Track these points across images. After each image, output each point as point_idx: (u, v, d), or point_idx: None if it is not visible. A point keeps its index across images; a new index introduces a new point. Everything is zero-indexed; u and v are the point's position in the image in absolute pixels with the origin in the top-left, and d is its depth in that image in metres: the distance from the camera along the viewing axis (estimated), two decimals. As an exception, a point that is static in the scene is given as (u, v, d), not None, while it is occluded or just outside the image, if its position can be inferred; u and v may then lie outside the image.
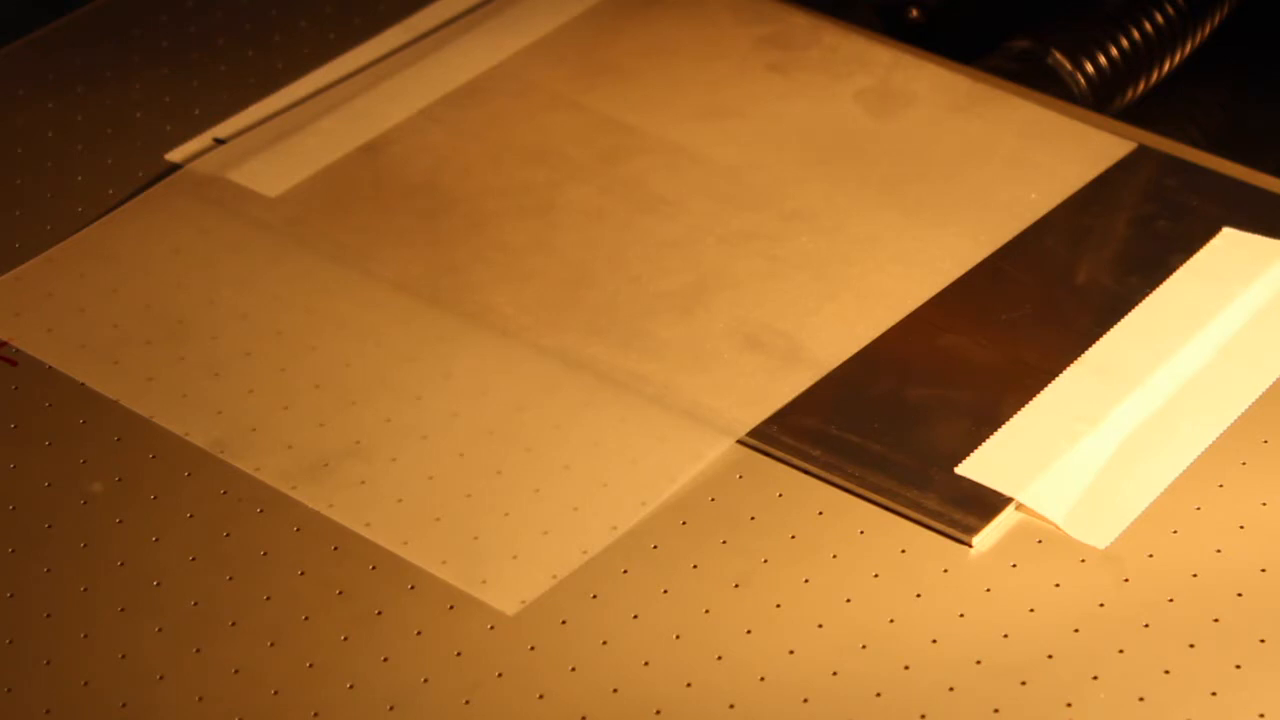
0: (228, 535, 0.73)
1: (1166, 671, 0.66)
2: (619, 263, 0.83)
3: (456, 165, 0.89)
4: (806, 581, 0.70)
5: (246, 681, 0.68)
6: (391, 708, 0.67)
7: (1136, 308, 0.79)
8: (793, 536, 0.71)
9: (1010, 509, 0.71)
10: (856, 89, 0.92)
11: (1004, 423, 0.74)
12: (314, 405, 0.77)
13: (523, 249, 0.84)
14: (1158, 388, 0.75)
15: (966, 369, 0.78)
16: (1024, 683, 0.66)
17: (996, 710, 0.65)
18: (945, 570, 0.70)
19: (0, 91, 0.96)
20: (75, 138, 0.93)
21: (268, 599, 0.70)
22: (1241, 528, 0.70)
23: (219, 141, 0.91)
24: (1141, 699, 0.65)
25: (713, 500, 0.73)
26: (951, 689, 0.66)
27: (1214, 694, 0.65)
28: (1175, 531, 0.70)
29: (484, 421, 0.76)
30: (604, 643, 0.68)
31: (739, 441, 0.75)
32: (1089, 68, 0.98)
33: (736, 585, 0.70)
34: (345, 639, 0.69)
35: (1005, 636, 0.67)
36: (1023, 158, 0.88)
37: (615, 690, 0.67)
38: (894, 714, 0.65)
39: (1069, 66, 0.98)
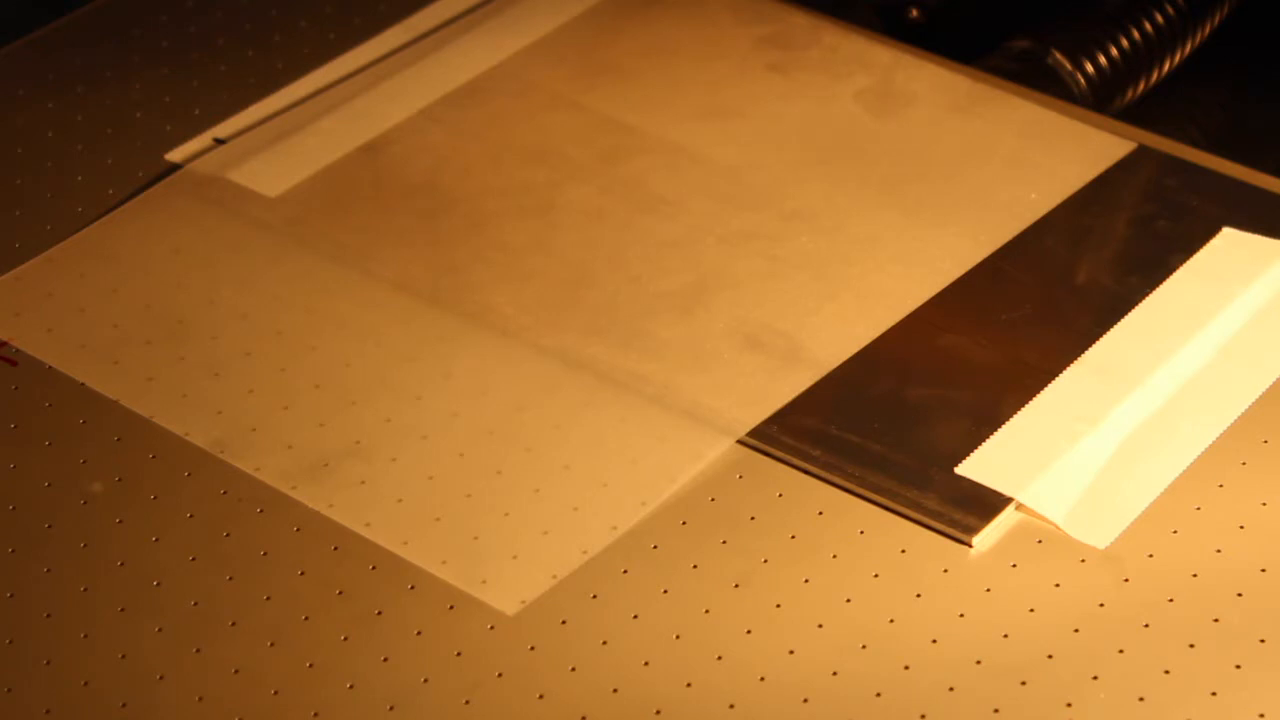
0: (228, 535, 0.73)
1: (1166, 671, 0.66)
2: (619, 263, 0.83)
3: (456, 165, 0.89)
4: (806, 581, 0.70)
5: (246, 681, 0.68)
6: (391, 708, 0.67)
7: (1136, 308, 0.79)
8: (793, 536, 0.71)
9: (1010, 509, 0.71)
10: (856, 89, 0.92)
11: (1004, 423, 0.74)
12: (314, 405, 0.77)
13: (523, 249, 0.84)
14: (1158, 388, 0.75)
15: (966, 369, 0.78)
16: (1024, 683, 0.66)
17: (996, 710, 0.65)
18: (945, 570, 0.70)
19: (0, 91, 0.96)
20: (75, 138, 0.93)
21: (268, 599, 0.70)
22: (1241, 528, 0.70)
23: (219, 141, 0.91)
24: (1141, 699, 0.65)
25: (713, 500, 0.73)
26: (951, 689, 0.66)
27: (1214, 694, 0.65)
28: (1175, 531, 0.70)
29: (484, 421, 0.76)
30: (604, 643, 0.68)
31: (739, 441, 0.75)
32: (1089, 68, 0.98)
33: (736, 585, 0.70)
34: (345, 639, 0.69)
35: (1005, 636, 0.67)
36: (1023, 158, 0.88)
37: (615, 690, 0.67)
38: (894, 714, 0.65)
39: (1069, 66, 0.98)
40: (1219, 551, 0.69)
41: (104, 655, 0.69)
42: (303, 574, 0.71)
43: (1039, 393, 0.75)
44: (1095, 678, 0.66)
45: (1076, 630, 0.67)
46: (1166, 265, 0.81)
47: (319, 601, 0.70)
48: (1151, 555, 0.69)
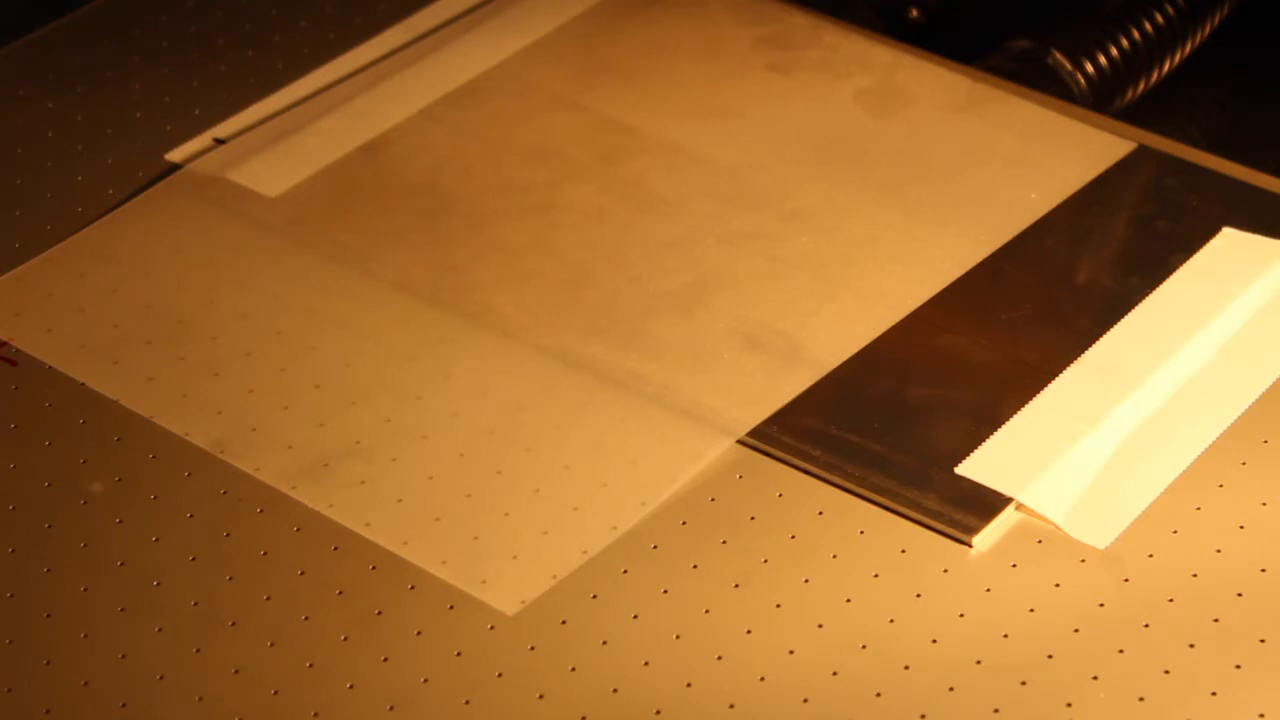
0: (228, 535, 0.73)
1: (1166, 671, 0.66)
2: (619, 263, 0.83)
3: (456, 165, 0.89)
4: (806, 581, 0.70)
5: (246, 681, 0.68)
6: (391, 708, 0.67)
7: (1136, 308, 0.79)
8: (793, 536, 0.71)
9: (1010, 509, 0.71)
10: (856, 89, 0.92)
11: (1004, 423, 0.74)
12: (314, 405, 0.77)
13: (523, 249, 0.84)
14: (1158, 388, 0.75)
15: (966, 369, 0.78)
16: (1024, 683, 0.66)
17: (996, 710, 0.65)
18: (945, 570, 0.70)
19: (0, 91, 0.96)
20: (75, 138, 0.93)
21: (268, 599, 0.70)
22: (1241, 528, 0.70)
23: (219, 141, 0.91)
24: (1141, 699, 0.65)
25: (713, 500, 0.73)
26: (951, 689, 0.66)
27: (1214, 694, 0.65)
28: (1175, 531, 0.70)
29: (484, 421, 0.76)
30: (604, 643, 0.68)
31: (739, 441, 0.75)
32: (1089, 68, 0.98)
33: (736, 585, 0.70)
34: (345, 639, 0.69)
35: (1005, 636, 0.67)
36: (1023, 158, 0.88)
37: (615, 690, 0.67)
38: (894, 714, 0.65)
39: (1069, 66, 0.98)
40: (1219, 551, 0.69)
41: (104, 655, 0.69)
42: (303, 574, 0.71)
43: (1039, 393, 0.75)
44: (1095, 678, 0.66)
45: (1076, 630, 0.67)
46: (1166, 265, 0.81)
47: (319, 601, 0.70)
48: (1151, 555, 0.69)
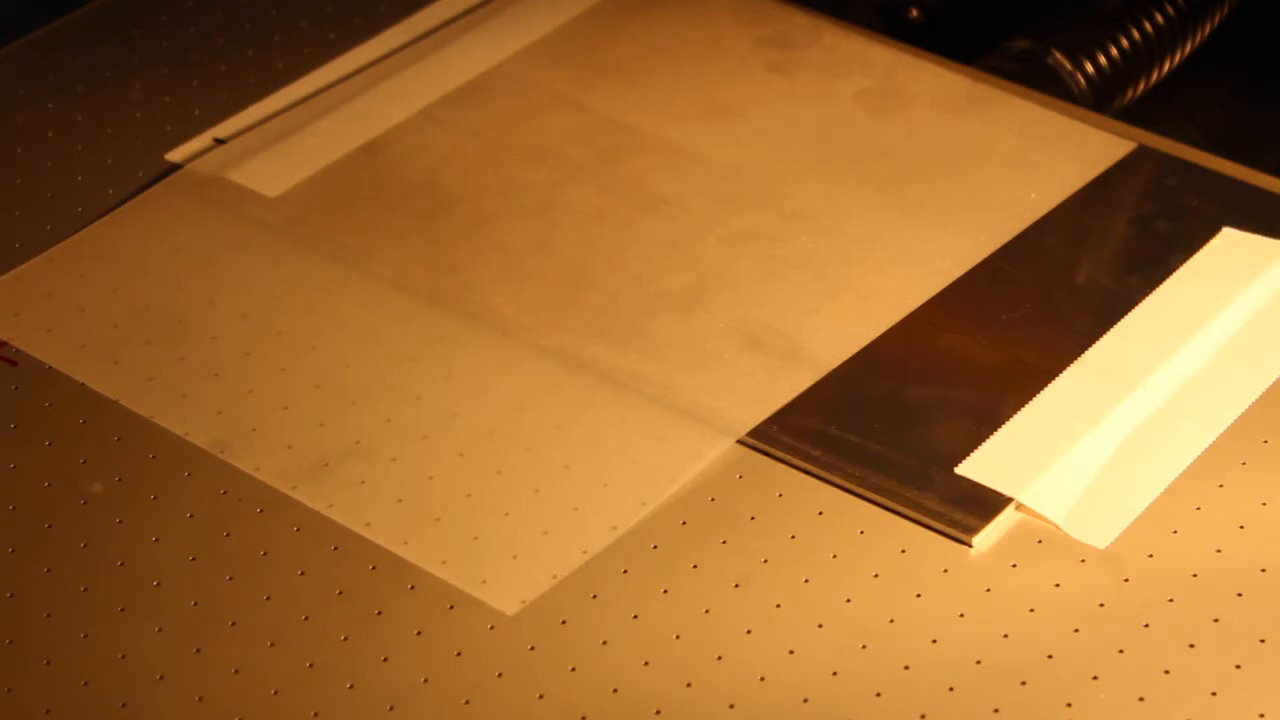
0: (228, 535, 0.73)
1: (1166, 671, 0.66)
2: (619, 263, 0.83)
3: (456, 165, 0.89)
4: (806, 581, 0.70)
5: (246, 681, 0.68)
6: (391, 708, 0.67)
7: (1136, 308, 0.79)
8: (793, 536, 0.71)
9: (1010, 509, 0.71)
10: (856, 89, 0.92)
11: (1004, 423, 0.74)
12: (314, 405, 0.77)
13: (523, 249, 0.84)
14: (1158, 388, 0.75)
15: (966, 369, 0.78)
16: (1024, 683, 0.66)
17: (996, 710, 0.65)
18: (945, 570, 0.70)
19: (0, 91, 0.96)
20: (75, 138, 0.93)
21: (268, 599, 0.70)
22: (1241, 528, 0.70)
23: (219, 141, 0.91)
24: (1141, 699, 0.65)
25: (713, 500, 0.73)
26: (951, 689, 0.66)
27: (1214, 694, 0.65)
28: (1175, 531, 0.70)
29: (484, 421, 0.76)
30: (604, 643, 0.68)
31: (739, 441, 0.75)
32: (1089, 68, 0.98)
33: (736, 585, 0.70)
34: (345, 639, 0.69)
35: (1005, 636, 0.67)
36: (1023, 158, 0.88)
37: (615, 690, 0.67)
38: (894, 714, 0.65)
39: (1069, 66, 0.98)
40: (1219, 551, 0.69)
41: (104, 655, 0.69)
42: (303, 574, 0.71)
43: (1039, 393, 0.75)
44: (1095, 678, 0.66)
45: (1076, 630, 0.67)
46: (1166, 265, 0.81)
47: (319, 601, 0.70)
48: (1151, 555, 0.69)
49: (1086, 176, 0.86)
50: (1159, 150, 0.88)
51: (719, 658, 0.67)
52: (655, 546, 0.71)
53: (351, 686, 0.67)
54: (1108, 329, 0.78)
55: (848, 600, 0.69)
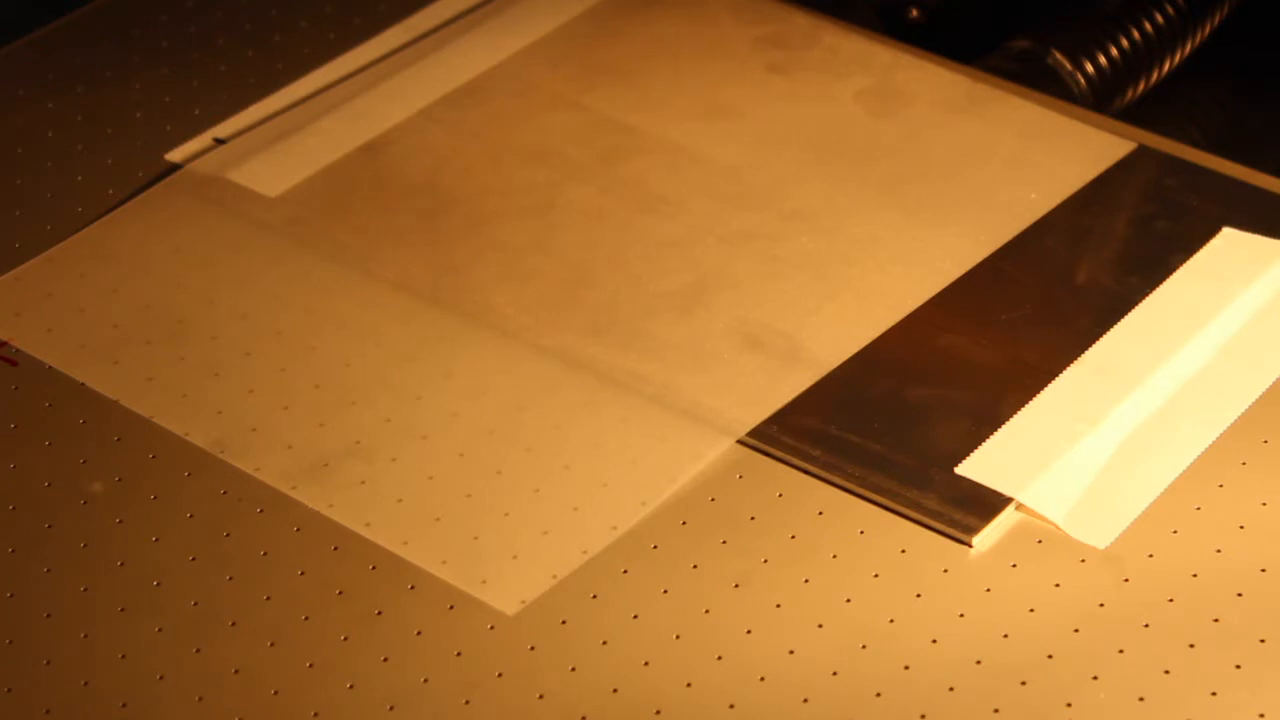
0: (228, 535, 0.73)
1: (1166, 671, 0.66)
2: (619, 263, 0.83)
3: (456, 165, 0.89)
4: (806, 581, 0.70)
5: (246, 681, 0.68)
6: (391, 708, 0.67)
7: (1136, 308, 0.79)
8: (793, 536, 0.71)
9: (1010, 509, 0.71)
10: (856, 89, 0.92)
11: (1004, 423, 0.74)
12: (314, 405, 0.77)
13: (523, 249, 0.84)
14: (1158, 388, 0.75)
15: (966, 369, 0.78)
16: (1024, 683, 0.66)
17: (996, 710, 0.65)
18: (945, 570, 0.70)
19: (0, 91, 0.96)
20: (75, 138, 0.93)
21: (268, 599, 0.70)
22: (1241, 528, 0.70)
23: (219, 141, 0.91)
24: (1141, 699, 0.65)
25: (713, 500, 0.73)
26: (951, 689, 0.66)
27: (1214, 694, 0.65)
28: (1175, 531, 0.70)
29: (484, 421, 0.76)
30: (604, 643, 0.68)
31: (739, 441, 0.75)
32: (1089, 68, 0.98)
33: (736, 585, 0.70)
34: (345, 639, 0.69)
35: (1005, 636, 0.67)
36: (1023, 158, 0.88)
37: (615, 690, 0.67)
38: (894, 714, 0.65)
39: (1069, 66, 0.98)
40: (1219, 551, 0.69)
41: (104, 655, 0.69)
42: (303, 574, 0.71)
43: (1039, 393, 0.75)
44: (1095, 678, 0.66)
45: (1076, 630, 0.67)
46: (1166, 265, 0.81)
47: (319, 601, 0.70)
48: (1151, 555, 0.69)
49: (1086, 176, 0.86)
50: (1159, 150, 0.88)
51: (719, 658, 0.67)
52: (655, 546, 0.71)
53: (351, 686, 0.67)
54: (1108, 329, 0.78)
55: (848, 600, 0.69)
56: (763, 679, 0.67)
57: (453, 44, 0.97)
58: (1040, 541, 0.70)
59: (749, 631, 0.68)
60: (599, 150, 0.89)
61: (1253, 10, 1.05)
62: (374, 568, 0.71)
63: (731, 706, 0.66)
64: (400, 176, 0.89)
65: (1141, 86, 1.01)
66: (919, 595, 0.69)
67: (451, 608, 0.70)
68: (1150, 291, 0.80)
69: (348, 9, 1.00)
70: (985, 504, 0.71)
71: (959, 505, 0.71)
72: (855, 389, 0.77)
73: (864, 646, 0.67)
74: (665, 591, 0.70)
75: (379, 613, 0.70)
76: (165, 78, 0.97)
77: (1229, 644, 0.66)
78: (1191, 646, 0.66)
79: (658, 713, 0.66)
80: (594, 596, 0.70)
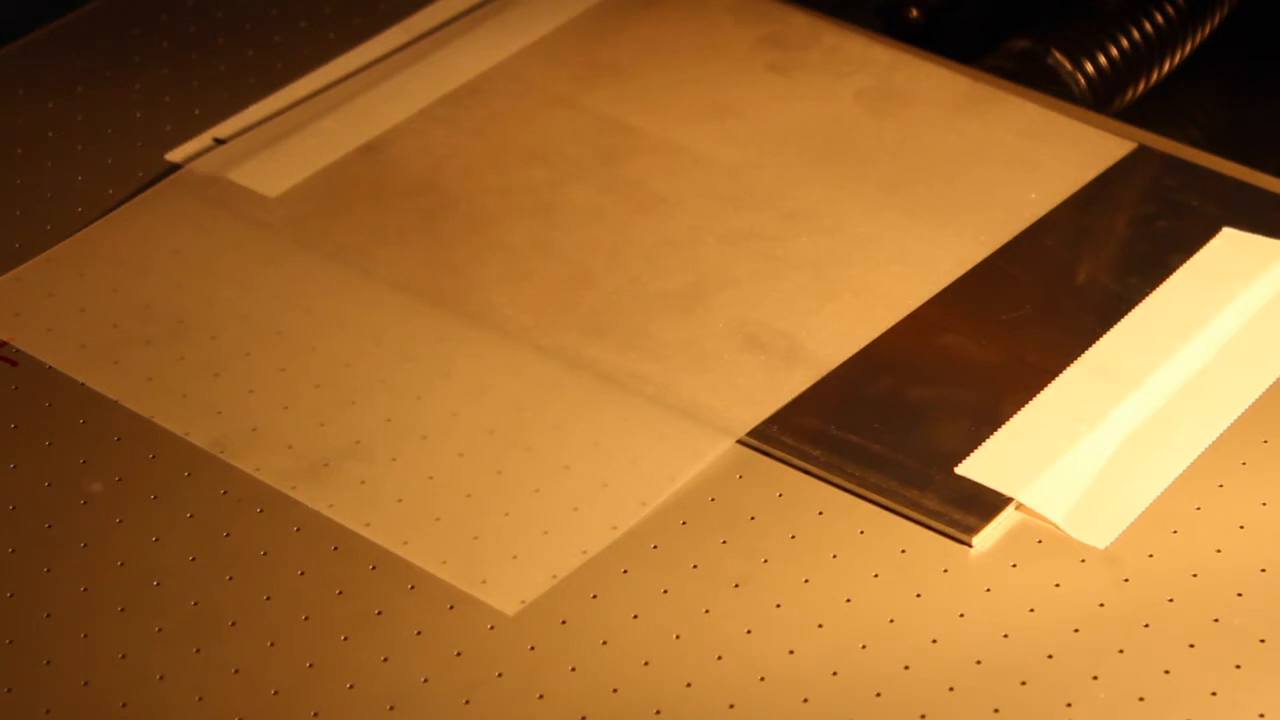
0: (228, 535, 0.73)
1: (1166, 671, 0.66)
2: (619, 263, 0.83)
3: (456, 165, 0.89)
4: (806, 581, 0.70)
5: (246, 681, 0.68)
6: (391, 708, 0.67)
7: (1136, 308, 0.79)
8: (793, 536, 0.71)
9: (1010, 509, 0.71)
10: (856, 89, 0.92)
11: (1004, 423, 0.74)
12: (314, 405, 0.77)
13: (523, 249, 0.84)
14: (1158, 388, 0.75)
15: (966, 369, 0.78)
16: (1024, 683, 0.66)
17: (996, 710, 0.65)
18: (945, 570, 0.70)
19: (0, 91, 0.96)
20: (75, 138, 0.93)
21: (268, 599, 0.70)
22: (1241, 528, 0.70)
23: (219, 141, 0.91)
24: (1141, 699, 0.65)
25: (713, 500, 0.73)
26: (951, 689, 0.66)
27: (1214, 694, 0.65)
28: (1175, 531, 0.70)
29: (484, 421, 0.76)
30: (604, 643, 0.68)
31: (739, 441, 0.75)
32: (1089, 68, 0.98)
33: (736, 585, 0.70)
34: (345, 639, 0.69)
35: (1005, 636, 0.67)
36: (1023, 158, 0.88)
37: (615, 690, 0.67)
38: (894, 714, 0.65)
39: (1069, 66, 0.98)
40: (1219, 551, 0.69)
41: (104, 655, 0.69)
42: (303, 574, 0.71)
43: (1039, 393, 0.75)
44: (1095, 678, 0.66)
45: (1076, 630, 0.67)
46: (1166, 265, 0.81)
47: (319, 601, 0.70)
48: (1151, 555, 0.69)
49: (1086, 176, 0.86)
50: (1159, 150, 0.88)
51: (719, 658, 0.67)
52: (655, 546, 0.71)
53: (351, 686, 0.67)
54: (1108, 329, 0.78)
55: (848, 600, 0.69)
56: (763, 679, 0.67)
57: (453, 44, 0.97)
58: (1040, 541, 0.70)
59: (749, 631, 0.68)
60: (599, 150, 0.89)
61: (1252, 10, 1.05)
62: (374, 568, 0.71)
63: (731, 706, 0.66)
64: (400, 176, 0.89)
65: (1141, 86, 1.01)
66: (919, 595, 0.69)
67: (451, 608, 0.70)
68: (1150, 291, 0.80)
69: (348, 9, 1.00)
70: (985, 504, 0.71)
71: (959, 505, 0.71)
72: (855, 389, 0.77)
73: (864, 646, 0.67)
74: (665, 591, 0.70)
75: (379, 613, 0.70)
76: (165, 78, 0.97)
77: (1229, 644, 0.66)
78: (1191, 646, 0.66)
79: (658, 713, 0.66)
80: (594, 596, 0.70)
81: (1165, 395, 0.75)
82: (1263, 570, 0.69)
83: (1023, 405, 0.75)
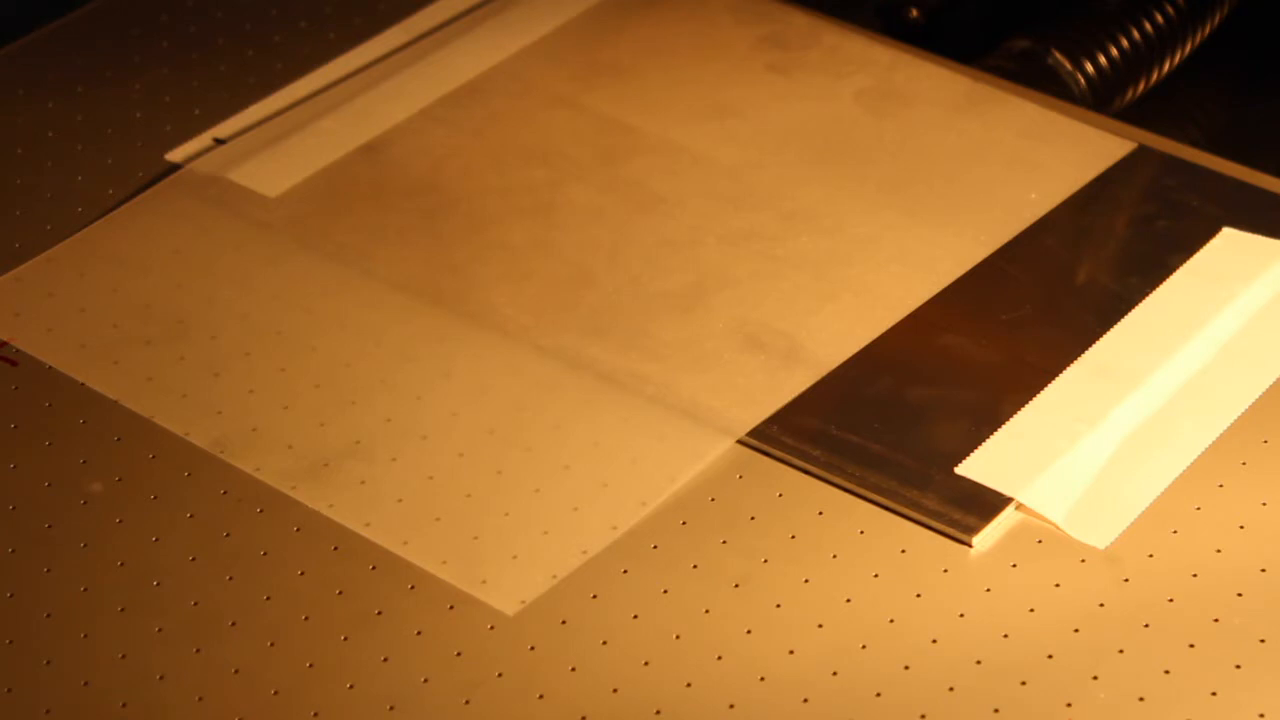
0: (228, 535, 0.73)
1: (1166, 671, 0.66)
2: (619, 263, 0.83)
3: (456, 165, 0.89)
4: (806, 581, 0.70)
5: (246, 681, 0.68)
6: (391, 708, 0.67)
7: (1136, 308, 0.79)
8: (793, 536, 0.71)
9: (1010, 509, 0.71)
10: (856, 89, 0.92)
11: (1004, 423, 0.74)
12: (314, 405, 0.77)
13: (523, 249, 0.84)
14: (1158, 388, 0.75)
15: (966, 369, 0.78)
16: (1024, 683, 0.66)
17: (996, 710, 0.65)
18: (945, 570, 0.70)
19: (0, 91, 0.96)
20: (75, 138, 0.93)
21: (268, 599, 0.70)
22: (1241, 528, 0.70)
23: (219, 141, 0.91)
24: (1141, 699, 0.65)
25: (713, 500, 0.73)
26: (951, 689, 0.66)
27: (1214, 694, 0.65)
28: (1175, 531, 0.70)
29: (484, 421, 0.76)
30: (604, 643, 0.68)
31: (739, 441, 0.75)
32: (1089, 68, 0.98)
33: (736, 585, 0.70)
34: (345, 639, 0.69)
35: (1005, 636, 0.67)
36: (1023, 158, 0.88)
37: (615, 690, 0.67)
38: (894, 714, 0.65)
39: (1069, 66, 0.98)
40: (1219, 551, 0.69)
41: (104, 655, 0.69)
42: (303, 574, 0.71)
43: (1039, 393, 0.75)
44: (1095, 678, 0.66)
45: (1076, 630, 0.67)
46: (1166, 265, 0.81)
47: (319, 601, 0.70)
48: (1151, 555, 0.69)
49: (1086, 176, 0.86)
50: (1159, 150, 0.88)
51: (719, 658, 0.67)
52: (655, 546, 0.71)
53: (351, 686, 0.67)
54: (1108, 329, 0.78)
55: (848, 600, 0.69)
56: (763, 679, 0.67)
57: (453, 44, 0.97)
58: (1040, 541, 0.70)
59: (749, 631, 0.68)
60: (599, 150, 0.89)
61: (1252, 11, 1.05)
62: (374, 568, 0.71)
63: (731, 706, 0.66)
64: (400, 176, 0.89)
65: (1141, 86, 1.01)
66: (919, 595, 0.69)
67: (451, 608, 0.70)
68: (1150, 291, 0.80)
69: (348, 9, 1.00)
70: (985, 504, 0.71)
71: (959, 505, 0.71)
72: (855, 389, 0.77)
73: (864, 646, 0.67)
74: (665, 591, 0.70)
75: (379, 613, 0.70)
76: (165, 78, 0.97)
77: (1229, 644, 0.66)
78: (1191, 646, 0.66)
79: (658, 713, 0.66)
80: (594, 596, 0.70)
81: (1165, 395, 0.75)
82: (1263, 570, 0.69)
83: (1023, 405, 0.75)
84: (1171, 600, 0.68)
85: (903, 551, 0.70)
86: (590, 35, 0.96)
